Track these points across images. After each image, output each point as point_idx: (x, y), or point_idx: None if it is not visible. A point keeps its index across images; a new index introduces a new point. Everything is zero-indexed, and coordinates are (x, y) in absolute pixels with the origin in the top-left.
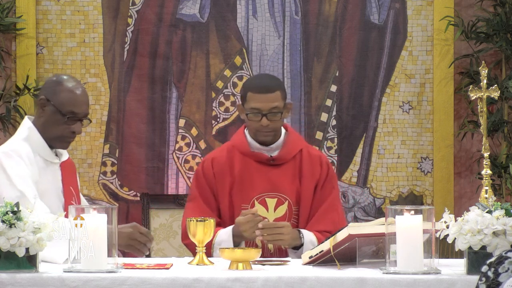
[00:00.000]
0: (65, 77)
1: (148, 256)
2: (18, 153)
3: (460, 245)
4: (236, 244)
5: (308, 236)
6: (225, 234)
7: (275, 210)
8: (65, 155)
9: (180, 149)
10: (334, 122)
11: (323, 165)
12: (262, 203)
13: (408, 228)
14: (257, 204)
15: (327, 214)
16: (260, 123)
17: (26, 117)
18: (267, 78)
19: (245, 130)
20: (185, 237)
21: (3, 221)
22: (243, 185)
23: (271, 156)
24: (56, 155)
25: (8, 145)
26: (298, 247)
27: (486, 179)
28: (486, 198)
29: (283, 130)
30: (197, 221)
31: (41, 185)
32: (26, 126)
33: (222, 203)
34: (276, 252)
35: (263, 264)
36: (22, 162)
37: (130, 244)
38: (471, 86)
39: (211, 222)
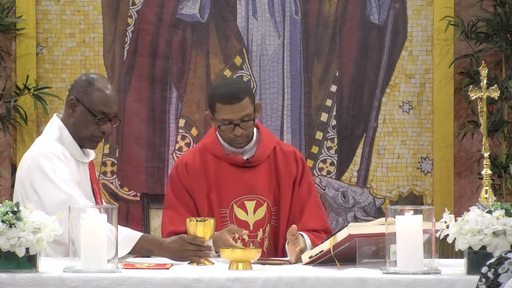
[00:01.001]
0: (95, 76)
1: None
2: (56, 154)
3: (460, 245)
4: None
5: (307, 239)
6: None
7: (254, 212)
8: (92, 154)
9: (180, 149)
10: (334, 122)
11: (298, 161)
12: (241, 206)
13: (408, 228)
14: (236, 207)
15: (314, 211)
16: (234, 132)
17: (54, 115)
18: (233, 86)
19: (217, 132)
20: None
21: (3, 221)
22: (220, 189)
23: (247, 159)
24: (84, 154)
25: (44, 146)
26: None
27: (486, 179)
28: (486, 198)
29: (254, 129)
30: (197, 221)
31: (79, 185)
32: (57, 125)
33: (200, 208)
34: (272, 252)
35: (264, 264)
36: (62, 163)
37: (184, 256)
38: (471, 86)
39: (211, 222)
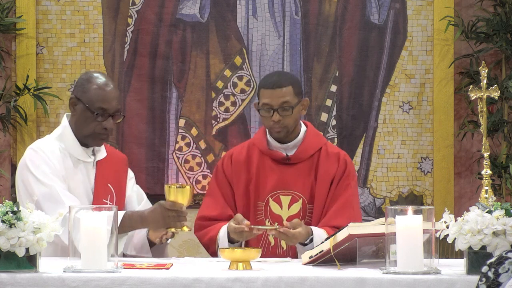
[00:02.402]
0: (94, 74)
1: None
2: (42, 149)
3: (460, 245)
4: (233, 241)
5: (318, 232)
6: (222, 233)
7: (289, 207)
8: (102, 153)
9: (180, 149)
10: (334, 122)
11: (340, 162)
12: (276, 200)
13: (408, 228)
14: (272, 201)
15: (342, 210)
16: (272, 118)
17: (64, 115)
18: (280, 74)
19: (266, 129)
20: (198, 229)
21: (3, 221)
22: (259, 183)
23: (287, 155)
24: (94, 153)
25: (38, 142)
26: (306, 243)
27: (486, 179)
28: (486, 198)
29: (303, 128)
30: (176, 187)
31: (70, 182)
32: (63, 125)
33: (238, 200)
34: (289, 250)
35: (258, 229)
36: (47, 157)
37: (165, 223)
38: (471, 86)
39: (188, 188)
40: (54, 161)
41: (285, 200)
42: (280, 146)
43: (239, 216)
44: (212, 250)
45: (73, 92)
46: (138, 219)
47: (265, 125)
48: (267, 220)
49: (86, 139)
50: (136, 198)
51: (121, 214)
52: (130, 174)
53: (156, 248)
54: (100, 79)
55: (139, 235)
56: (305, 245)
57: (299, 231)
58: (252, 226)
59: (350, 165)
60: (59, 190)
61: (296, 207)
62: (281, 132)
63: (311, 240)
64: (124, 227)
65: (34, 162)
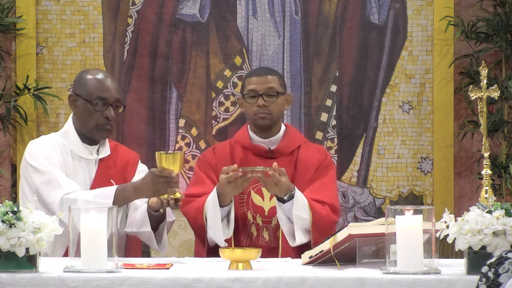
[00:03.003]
0: (89, 69)
1: (148, 255)
2: (41, 142)
3: (460, 245)
4: (223, 202)
5: (299, 193)
6: (211, 197)
7: (270, 198)
8: (105, 151)
9: (180, 149)
10: (334, 122)
11: (320, 153)
12: (258, 192)
13: (408, 228)
14: (253, 193)
15: (321, 188)
16: (257, 103)
17: (70, 116)
18: (266, 67)
19: (248, 126)
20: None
21: (3, 221)
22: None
23: (269, 148)
24: (97, 152)
25: (40, 137)
26: (285, 201)
27: (486, 179)
28: (486, 198)
29: (283, 127)
30: (166, 153)
31: (69, 178)
32: (67, 123)
33: None
34: (272, 240)
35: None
36: (44, 149)
37: (157, 189)
38: (471, 86)
39: (179, 154)
40: (51, 152)
41: (267, 191)
42: (262, 140)
43: (225, 168)
44: (199, 221)
45: (72, 90)
46: (130, 190)
47: (250, 114)
48: (249, 211)
49: (91, 133)
50: None
51: (111, 189)
52: (141, 167)
53: (156, 221)
54: (96, 72)
55: (140, 210)
56: (283, 202)
57: (284, 180)
58: (242, 168)
59: (329, 157)
60: (57, 175)
61: None
62: (265, 118)
63: (290, 197)
64: (118, 200)
65: (32, 154)
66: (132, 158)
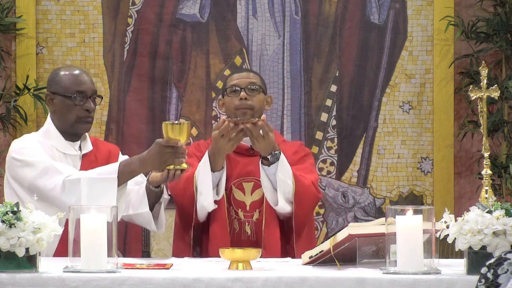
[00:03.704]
0: (61, 67)
1: (148, 255)
2: (26, 138)
3: (460, 245)
4: (215, 167)
5: (284, 158)
6: (202, 162)
7: (251, 193)
8: (87, 147)
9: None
10: (334, 122)
11: (297, 146)
12: (239, 187)
13: (408, 228)
14: (234, 188)
15: (302, 170)
16: (239, 96)
17: (48, 116)
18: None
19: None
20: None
21: (3, 221)
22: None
23: (250, 146)
24: (80, 148)
25: (23, 136)
26: (270, 162)
27: (486, 179)
28: (486, 198)
29: None
30: (173, 123)
31: None
32: (46, 122)
33: None
34: (253, 235)
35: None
36: (31, 143)
37: (163, 160)
38: (471, 86)
39: (185, 124)
40: (38, 146)
41: (248, 186)
42: (243, 139)
43: (216, 124)
44: (189, 192)
45: (47, 90)
46: (136, 163)
47: (231, 109)
48: (231, 207)
49: (73, 128)
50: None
51: (115, 165)
52: (123, 159)
53: (154, 199)
54: (69, 68)
55: (134, 192)
56: (268, 163)
57: (271, 135)
58: (232, 119)
59: (306, 149)
60: (52, 162)
61: (259, 193)
62: (247, 112)
63: (274, 159)
64: (123, 174)
65: (18, 150)
66: (113, 150)
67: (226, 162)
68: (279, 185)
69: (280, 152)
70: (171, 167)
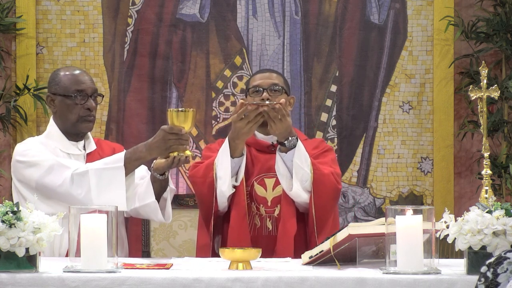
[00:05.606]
0: (60, 68)
1: (148, 255)
2: (30, 140)
3: (460, 245)
4: (234, 152)
5: (301, 144)
6: (222, 148)
7: (273, 189)
8: (91, 146)
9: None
10: (334, 122)
11: (319, 142)
12: (261, 183)
13: (408, 228)
14: (256, 184)
15: (323, 163)
16: (261, 97)
17: (51, 118)
18: (271, 69)
19: None
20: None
21: (3, 221)
22: (245, 170)
23: (272, 143)
24: (84, 148)
25: (27, 139)
26: (287, 150)
27: (486, 179)
28: (486, 198)
29: None
30: (177, 111)
31: None
32: (49, 125)
33: None
34: (274, 230)
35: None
36: (35, 145)
37: (167, 147)
38: (471, 86)
39: (190, 112)
40: (42, 147)
41: (269, 182)
42: (264, 136)
43: (234, 109)
44: (209, 179)
45: (48, 91)
46: (143, 149)
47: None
48: (253, 203)
49: (75, 127)
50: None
51: (121, 153)
52: None
53: (159, 188)
54: (68, 68)
55: (141, 183)
56: (285, 149)
57: (289, 119)
58: (252, 103)
59: (329, 145)
60: (58, 159)
61: (281, 188)
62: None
63: (291, 146)
64: (130, 161)
65: (22, 152)
66: (117, 148)
67: (247, 159)
68: (295, 171)
69: (297, 139)
70: (175, 153)
